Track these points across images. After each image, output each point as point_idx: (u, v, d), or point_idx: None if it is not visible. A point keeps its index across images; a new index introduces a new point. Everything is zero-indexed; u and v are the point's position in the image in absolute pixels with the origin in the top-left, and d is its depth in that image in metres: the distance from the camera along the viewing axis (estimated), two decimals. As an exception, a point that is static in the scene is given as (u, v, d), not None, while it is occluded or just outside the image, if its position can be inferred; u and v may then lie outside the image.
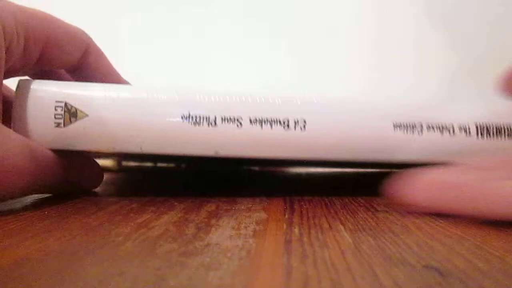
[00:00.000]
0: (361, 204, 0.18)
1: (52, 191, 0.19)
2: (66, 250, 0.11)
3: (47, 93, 0.17)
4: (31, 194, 0.18)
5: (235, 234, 0.13)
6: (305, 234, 0.13)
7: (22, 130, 0.17)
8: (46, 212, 0.15)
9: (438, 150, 0.19)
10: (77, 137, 0.17)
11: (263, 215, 0.15)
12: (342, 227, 0.14)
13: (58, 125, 0.17)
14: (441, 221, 0.15)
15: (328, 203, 0.19)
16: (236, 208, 0.17)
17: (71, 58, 0.20)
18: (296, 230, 0.13)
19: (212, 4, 0.48)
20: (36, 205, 0.16)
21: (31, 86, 0.17)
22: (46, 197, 0.19)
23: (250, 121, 0.17)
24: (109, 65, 0.23)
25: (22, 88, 0.17)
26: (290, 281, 0.09)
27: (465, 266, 0.10)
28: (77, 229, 0.13)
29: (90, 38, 0.21)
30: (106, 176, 0.23)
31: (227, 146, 0.17)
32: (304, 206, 0.17)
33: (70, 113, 0.17)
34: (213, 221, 0.14)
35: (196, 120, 0.17)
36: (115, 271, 0.09)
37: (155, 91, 0.17)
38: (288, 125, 0.17)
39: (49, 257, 0.10)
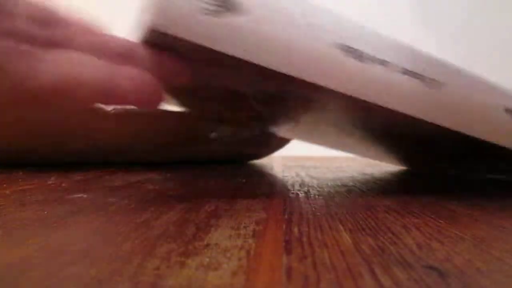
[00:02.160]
0: (361, 204, 0.18)
1: None
2: (66, 250, 0.11)
3: None
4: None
5: (235, 234, 0.13)
6: (305, 234, 0.13)
7: (158, 9, 0.14)
8: (46, 212, 0.15)
9: None
10: (224, 33, 0.14)
11: (263, 215, 0.15)
12: (341, 227, 0.14)
13: (207, 13, 0.13)
14: (441, 221, 0.15)
15: (328, 203, 0.19)
16: (236, 208, 0.17)
17: None
18: (296, 230, 0.13)
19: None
20: (36, 205, 0.16)
21: None
22: (46, 197, 0.19)
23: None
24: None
25: None
26: (290, 281, 0.09)
27: (465, 267, 0.10)
28: (76, 229, 0.13)
29: None
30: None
31: (374, 91, 0.17)
32: (304, 206, 0.17)
33: (229, 2, 0.14)
34: (212, 221, 0.14)
35: (362, 57, 0.16)
36: (115, 271, 0.09)
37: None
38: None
39: (49, 257, 0.10)
